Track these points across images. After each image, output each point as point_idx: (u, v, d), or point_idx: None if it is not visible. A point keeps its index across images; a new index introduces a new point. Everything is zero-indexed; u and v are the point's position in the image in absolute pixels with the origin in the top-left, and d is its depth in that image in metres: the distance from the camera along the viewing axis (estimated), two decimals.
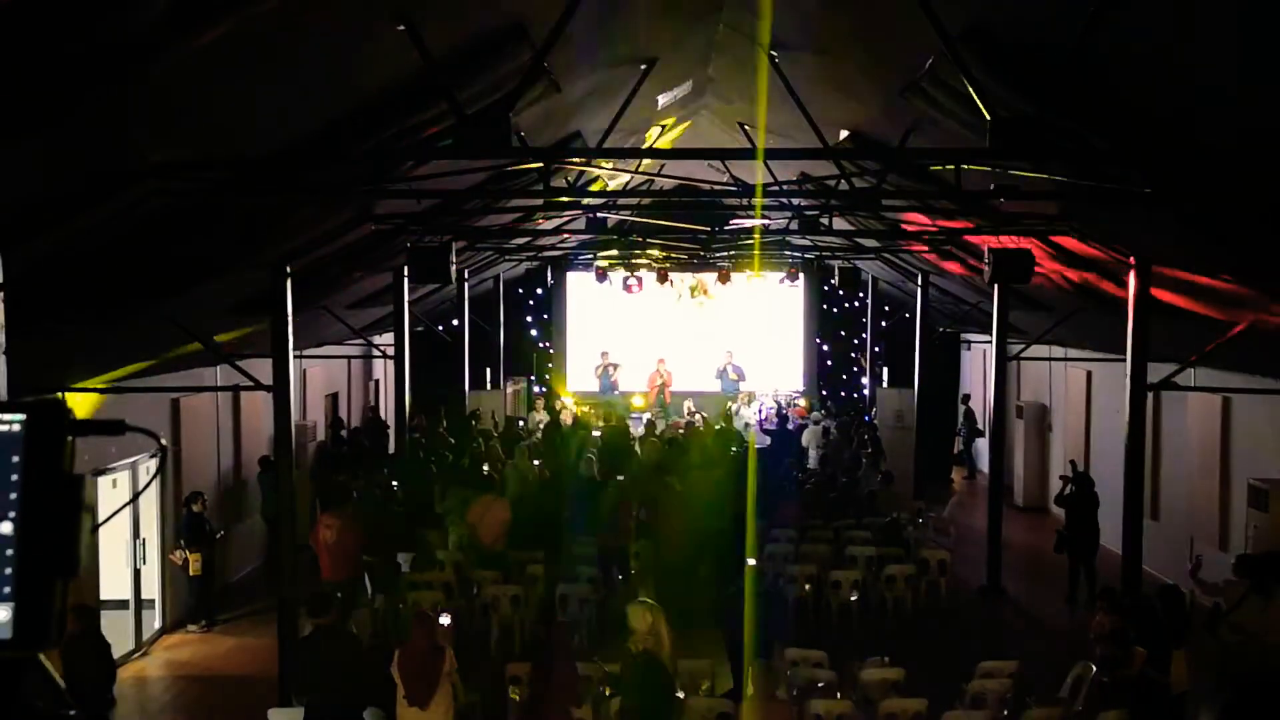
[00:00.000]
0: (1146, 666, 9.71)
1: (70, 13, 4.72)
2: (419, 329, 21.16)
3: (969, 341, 26.76)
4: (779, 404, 26.35)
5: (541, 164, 10.79)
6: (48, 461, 1.52)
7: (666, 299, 28.09)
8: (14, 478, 1.51)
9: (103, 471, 12.64)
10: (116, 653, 13.14)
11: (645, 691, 8.93)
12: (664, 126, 15.78)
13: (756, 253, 21.42)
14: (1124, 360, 12.17)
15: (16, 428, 1.52)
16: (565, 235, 19.95)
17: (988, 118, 7.05)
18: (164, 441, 2.62)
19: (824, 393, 28.87)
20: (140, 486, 13.31)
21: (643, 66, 11.02)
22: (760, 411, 24.80)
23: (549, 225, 19.31)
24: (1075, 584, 15.68)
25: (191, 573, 14.27)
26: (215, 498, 15.78)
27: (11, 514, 1.50)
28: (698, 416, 23.69)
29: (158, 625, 14.42)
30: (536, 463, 18.61)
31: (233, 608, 15.07)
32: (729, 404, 25.58)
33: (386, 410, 24.89)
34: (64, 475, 1.53)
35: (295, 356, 12.42)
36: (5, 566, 1.50)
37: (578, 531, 15.00)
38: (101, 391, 12.09)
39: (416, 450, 18.90)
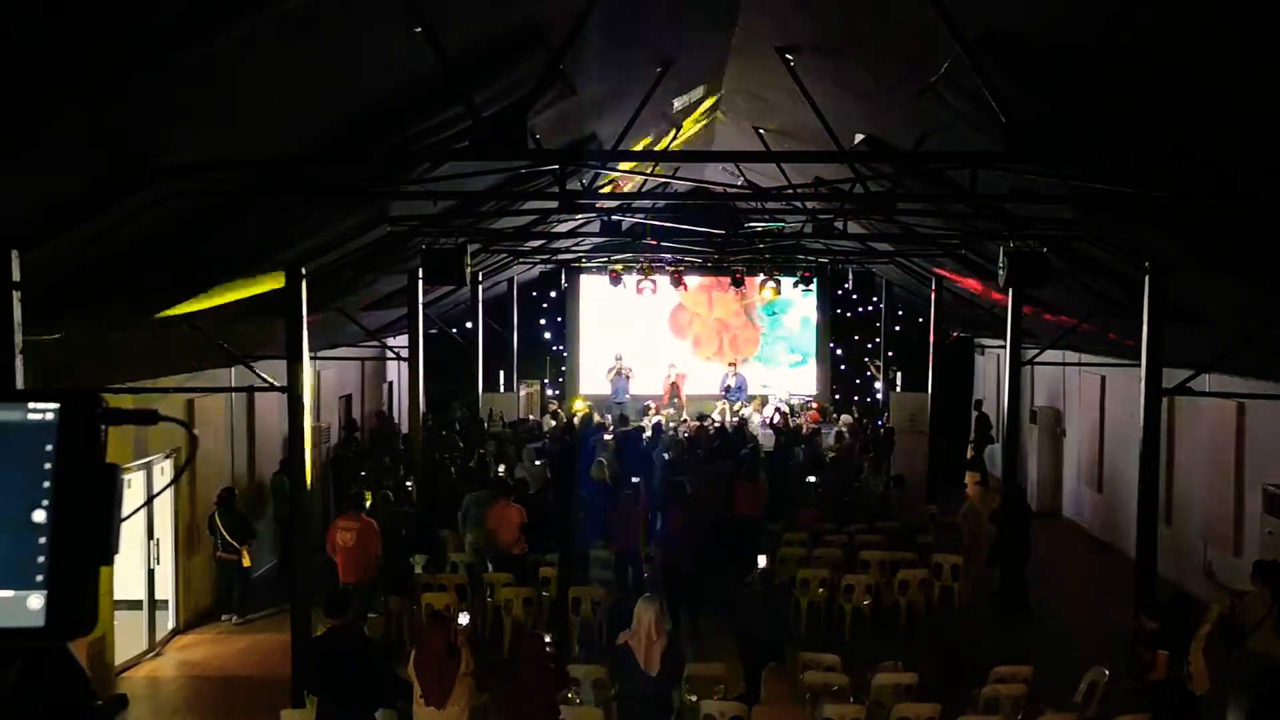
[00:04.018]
0: (1169, 669, 9.70)
1: (88, 12, 4.75)
2: (433, 331, 21.20)
3: (982, 346, 26.71)
4: (792, 407, 26.35)
5: (557, 166, 10.79)
6: (82, 450, 1.53)
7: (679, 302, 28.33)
8: (48, 466, 1.52)
9: None
10: (130, 653, 13.28)
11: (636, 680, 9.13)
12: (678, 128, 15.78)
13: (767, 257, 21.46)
14: (1138, 365, 12.15)
15: (50, 416, 1.53)
16: (579, 238, 19.97)
17: (1003, 121, 7.05)
18: (195, 432, 2.62)
19: (837, 397, 28.90)
20: (154, 486, 13.34)
21: (658, 69, 11.04)
22: (773, 416, 24.78)
23: (564, 228, 19.36)
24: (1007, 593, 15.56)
25: (245, 564, 14.83)
26: None
27: (45, 502, 1.51)
28: (712, 418, 23.70)
29: (171, 625, 14.46)
30: (539, 462, 18.67)
31: (247, 609, 15.11)
32: (742, 407, 25.73)
33: (400, 412, 24.93)
34: (99, 463, 1.54)
35: (310, 358, 12.45)
36: (39, 555, 1.51)
37: (591, 535, 15.01)
38: (116, 392, 12.14)
39: (431, 453, 18.94)
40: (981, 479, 24.20)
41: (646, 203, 17.78)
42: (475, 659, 9.59)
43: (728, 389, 27.09)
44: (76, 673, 1.71)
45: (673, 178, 18.21)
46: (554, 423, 23.73)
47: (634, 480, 15.88)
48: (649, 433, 21.68)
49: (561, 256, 23.32)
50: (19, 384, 7.16)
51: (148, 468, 13.33)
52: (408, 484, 17.23)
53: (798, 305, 29.04)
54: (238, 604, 14.97)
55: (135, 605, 13.73)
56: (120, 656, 12.98)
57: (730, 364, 27.99)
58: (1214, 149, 7.43)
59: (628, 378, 27.40)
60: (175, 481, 14.41)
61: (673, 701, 9.76)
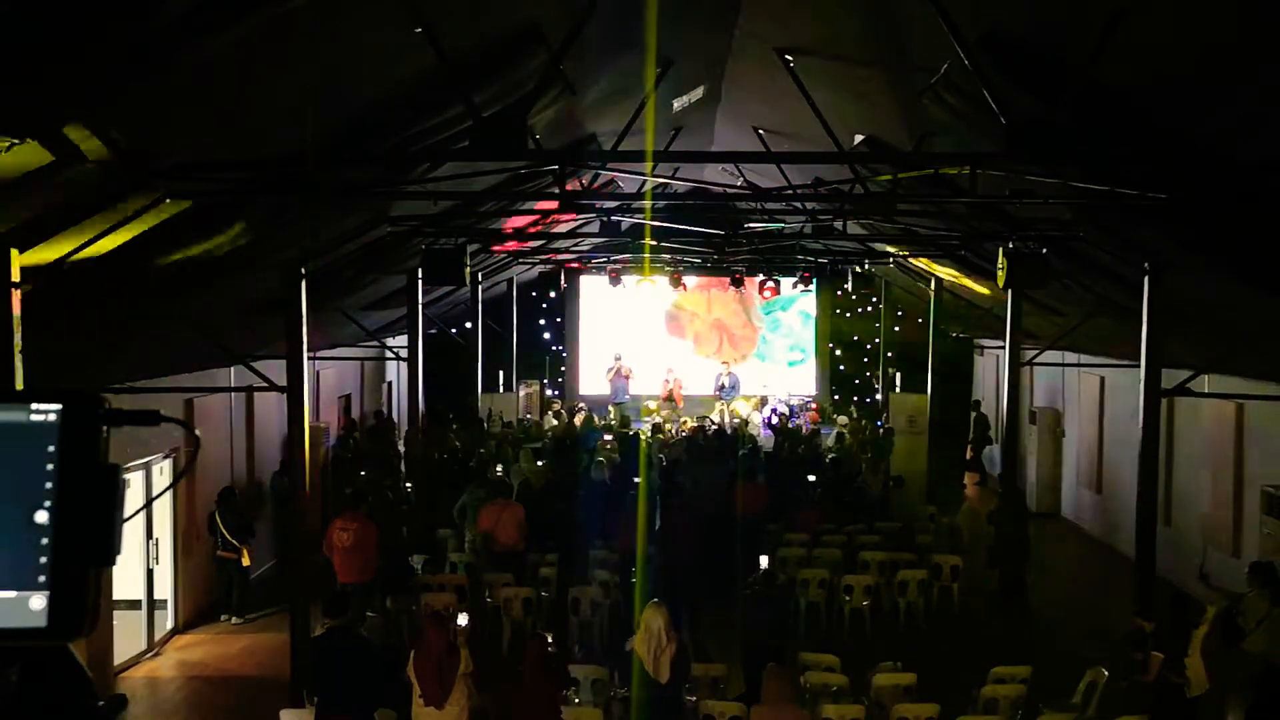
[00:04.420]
0: (1164, 671, 9.70)
1: (88, 12, 4.74)
2: (432, 331, 21.20)
3: (982, 347, 26.71)
4: (792, 408, 26.36)
5: (557, 167, 10.79)
6: (84, 451, 1.53)
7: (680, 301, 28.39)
8: (50, 467, 1.51)
9: None
10: (129, 653, 13.28)
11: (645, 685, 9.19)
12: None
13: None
14: (1138, 366, 12.15)
15: (52, 417, 1.53)
16: (579, 238, 19.97)
17: (1003, 122, 7.06)
18: (198, 433, 2.63)
19: (836, 397, 28.91)
20: (153, 486, 13.33)
21: (659, 70, 11.03)
22: (773, 416, 24.80)
23: (563, 228, 19.35)
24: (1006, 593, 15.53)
25: (245, 563, 14.91)
26: None
27: (47, 503, 1.51)
28: (710, 419, 23.71)
29: (170, 625, 14.45)
30: (541, 463, 18.67)
31: (246, 609, 15.11)
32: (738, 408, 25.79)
33: (399, 412, 24.93)
34: (100, 464, 1.54)
35: (309, 358, 12.44)
36: (40, 555, 1.50)
37: (591, 535, 14.99)
38: (116, 392, 12.13)
39: (430, 452, 18.94)
40: (980, 479, 24.19)
41: (646, 203, 17.75)
42: (475, 659, 9.59)
43: (722, 388, 27.14)
44: (78, 673, 1.71)
45: (672, 178, 18.18)
46: (555, 422, 23.75)
47: (635, 480, 15.87)
48: (648, 433, 21.69)
49: (561, 257, 23.30)
50: (19, 384, 7.15)
51: (147, 468, 13.33)
52: (407, 484, 17.23)
53: (797, 305, 29.09)
54: (237, 604, 14.97)
55: (134, 605, 13.72)
56: (119, 656, 12.98)
57: (724, 363, 28.05)
58: (1214, 149, 7.43)
59: (627, 378, 27.42)
60: (176, 483, 14.39)
61: (683, 704, 9.78)
